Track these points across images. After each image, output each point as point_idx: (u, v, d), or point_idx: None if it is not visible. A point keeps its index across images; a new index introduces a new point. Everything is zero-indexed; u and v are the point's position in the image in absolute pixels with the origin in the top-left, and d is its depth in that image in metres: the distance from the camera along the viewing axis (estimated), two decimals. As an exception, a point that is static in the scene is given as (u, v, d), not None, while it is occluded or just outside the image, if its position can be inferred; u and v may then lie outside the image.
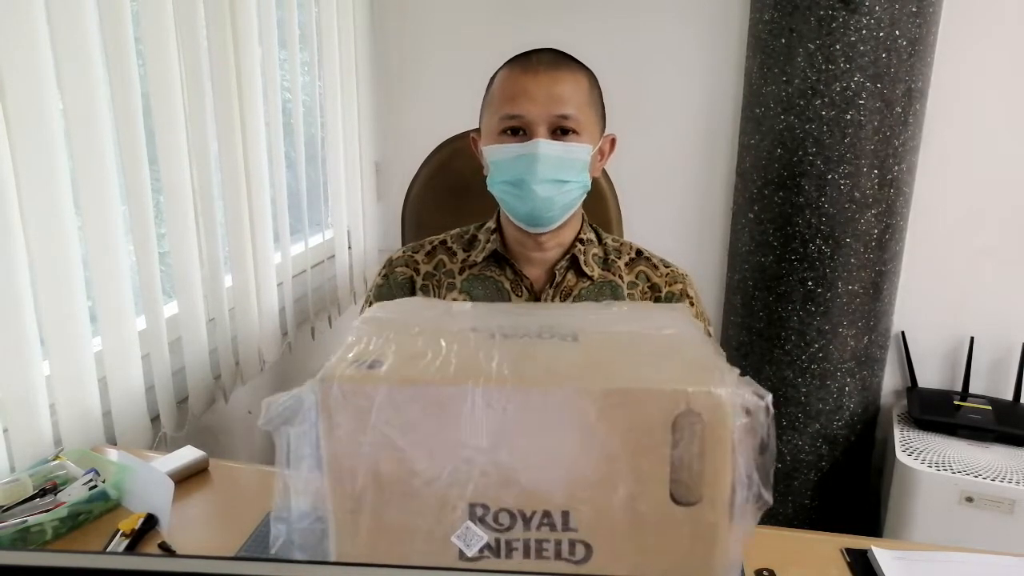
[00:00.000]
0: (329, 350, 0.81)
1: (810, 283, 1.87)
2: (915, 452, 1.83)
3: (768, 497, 0.68)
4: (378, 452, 0.68)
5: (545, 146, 1.08)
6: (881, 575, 0.92)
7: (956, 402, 1.97)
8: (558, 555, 0.69)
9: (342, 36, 2.01)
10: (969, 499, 1.74)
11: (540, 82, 1.10)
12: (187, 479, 1.11)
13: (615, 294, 1.19)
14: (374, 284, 1.27)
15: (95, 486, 1.04)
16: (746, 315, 1.99)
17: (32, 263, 1.12)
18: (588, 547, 0.69)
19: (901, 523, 1.83)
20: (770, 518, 1.16)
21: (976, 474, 1.74)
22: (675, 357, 0.74)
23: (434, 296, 1.22)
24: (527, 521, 0.69)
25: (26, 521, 0.96)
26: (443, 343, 0.74)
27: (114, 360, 1.30)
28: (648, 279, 1.22)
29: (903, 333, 2.10)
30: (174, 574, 0.50)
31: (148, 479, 1.04)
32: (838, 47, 1.72)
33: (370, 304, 1.21)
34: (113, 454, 1.16)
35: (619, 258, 1.23)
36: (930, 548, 0.99)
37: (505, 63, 1.16)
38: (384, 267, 1.27)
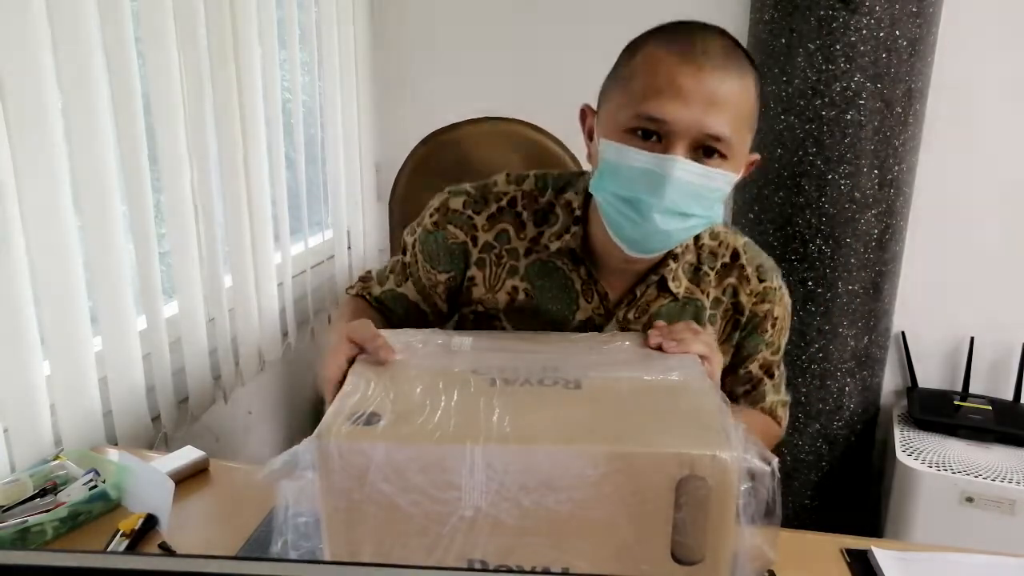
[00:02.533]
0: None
1: (810, 283, 1.87)
2: (915, 452, 1.83)
3: (773, 556, 0.67)
4: (375, 509, 0.67)
5: (683, 169, 0.85)
6: (881, 575, 0.92)
7: (956, 402, 1.97)
8: None
9: (342, 36, 2.01)
10: (969, 499, 1.74)
11: (702, 82, 0.84)
12: (187, 479, 1.11)
13: (697, 316, 1.03)
14: (423, 229, 1.07)
15: (95, 486, 1.03)
16: (746, 315, 1.99)
17: (32, 263, 1.12)
18: None
19: (901, 523, 1.83)
20: (770, 518, 1.16)
21: (976, 474, 1.74)
22: (680, 412, 0.72)
23: (490, 274, 1.05)
24: None
25: (26, 521, 0.95)
26: (442, 392, 0.73)
27: (114, 360, 1.30)
28: (735, 295, 1.05)
29: (903, 333, 2.09)
30: (174, 574, 0.50)
31: (148, 479, 1.04)
32: (838, 47, 1.72)
33: (412, 248, 1.08)
34: (113, 454, 1.16)
35: (712, 265, 1.04)
36: (930, 548, 0.99)
37: (656, 33, 0.90)
38: (438, 210, 1.06)
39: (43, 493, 1.03)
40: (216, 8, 1.47)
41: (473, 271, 1.05)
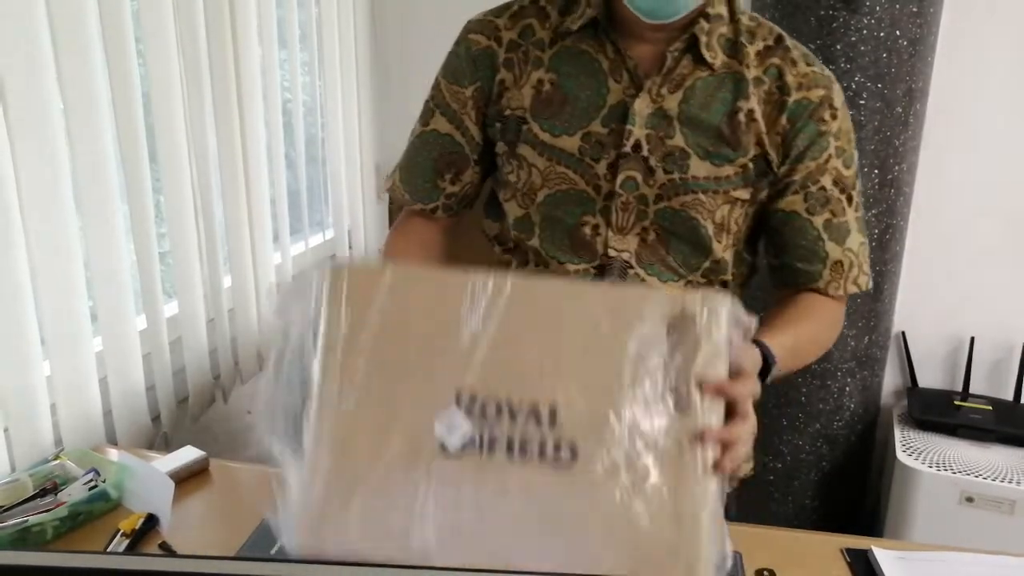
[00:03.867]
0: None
1: (810, 283, 1.87)
2: (915, 452, 1.83)
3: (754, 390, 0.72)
4: (376, 336, 0.69)
5: None
6: (881, 575, 0.92)
7: (956, 402, 1.97)
8: (542, 456, 0.68)
9: (342, 35, 2.01)
10: (969, 499, 1.74)
11: None
12: (187, 479, 1.11)
13: (738, 90, 0.94)
14: (448, 54, 1.05)
15: (95, 486, 1.03)
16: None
17: (33, 263, 1.12)
18: (574, 451, 0.68)
19: (901, 523, 1.83)
20: (770, 518, 1.16)
21: (976, 474, 1.74)
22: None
23: (517, 72, 0.99)
24: (513, 415, 0.68)
25: (26, 521, 0.95)
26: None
27: (114, 360, 1.30)
28: (780, 76, 0.95)
29: (903, 333, 2.09)
30: (174, 574, 0.50)
31: (148, 479, 1.04)
32: (838, 47, 1.72)
33: (436, 82, 1.05)
34: (113, 454, 1.16)
35: (751, 42, 0.96)
36: (930, 548, 0.99)
37: None
38: (463, 29, 1.04)
39: (43, 493, 1.03)
40: (216, 8, 1.47)
41: (502, 74, 1.00)
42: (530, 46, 0.99)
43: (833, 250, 1.00)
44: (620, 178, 0.95)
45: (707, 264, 1.00)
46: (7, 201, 1.06)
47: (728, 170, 0.95)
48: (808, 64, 0.97)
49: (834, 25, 1.71)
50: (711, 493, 0.68)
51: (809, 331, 1.00)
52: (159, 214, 1.42)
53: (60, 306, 1.17)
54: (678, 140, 0.94)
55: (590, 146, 0.96)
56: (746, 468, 1.11)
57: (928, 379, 2.12)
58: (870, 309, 1.91)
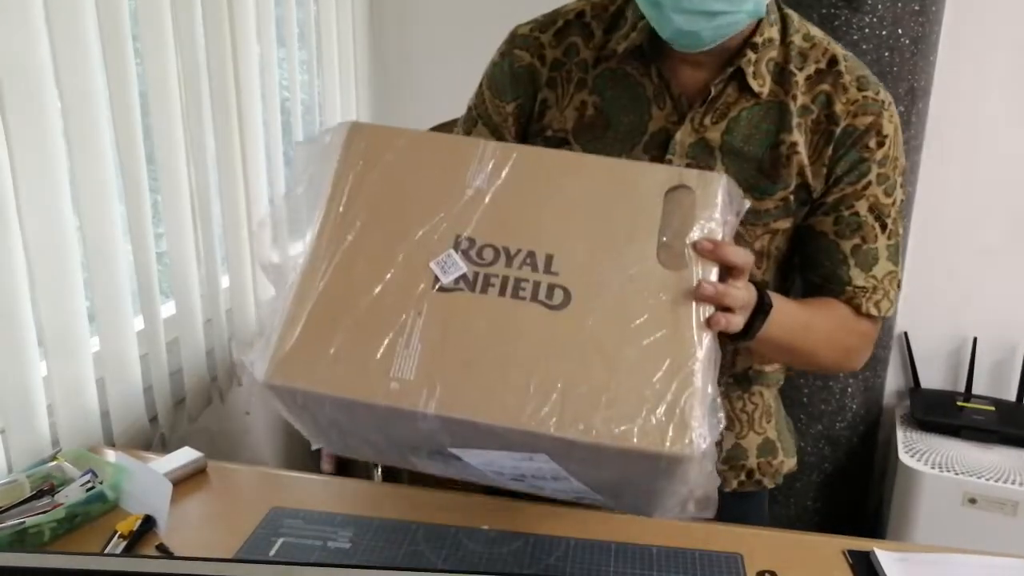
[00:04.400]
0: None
1: (812, 283, 1.87)
2: (918, 453, 1.83)
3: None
4: (380, 183, 0.72)
5: None
6: (884, 577, 0.91)
7: (959, 403, 1.96)
8: (535, 296, 0.69)
9: (341, 34, 2.01)
10: (972, 500, 1.73)
11: None
12: (185, 481, 1.10)
13: (783, 122, 0.92)
14: (491, 63, 1.03)
15: (93, 487, 1.03)
16: (747, 315, 1.99)
17: (30, 263, 1.12)
18: (567, 293, 0.69)
19: (904, 525, 1.82)
20: (772, 520, 1.16)
21: (979, 475, 1.73)
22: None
23: (560, 92, 0.98)
24: (510, 258, 0.70)
25: (23, 522, 0.95)
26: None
27: (112, 361, 1.30)
28: (828, 104, 0.92)
29: (906, 334, 2.09)
30: (172, 575, 0.50)
31: (146, 480, 1.03)
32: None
33: (480, 88, 1.04)
34: (111, 455, 1.16)
35: (801, 67, 0.93)
36: (933, 550, 0.98)
37: None
38: (506, 41, 1.02)
39: (40, 494, 1.02)
40: (214, 7, 1.47)
41: (544, 93, 0.98)
42: (574, 66, 0.97)
43: (857, 276, 0.97)
44: None
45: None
46: (4, 201, 1.06)
47: (768, 204, 0.94)
48: (860, 89, 0.93)
49: (836, 24, 1.70)
50: (706, 346, 0.68)
51: (824, 324, 0.96)
52: (157, 214, 1.41)
53: (57, 307, 1.17)
54: (719, 171, 0.92)
55: None
56: (790, 464, 1.10)
57: (930, 380, 2.11)
58: (872, 309, 1.90)
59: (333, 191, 0.72)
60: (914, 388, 2.07)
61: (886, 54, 1.71)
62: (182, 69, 1.41)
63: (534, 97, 0.99)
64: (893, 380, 2.12)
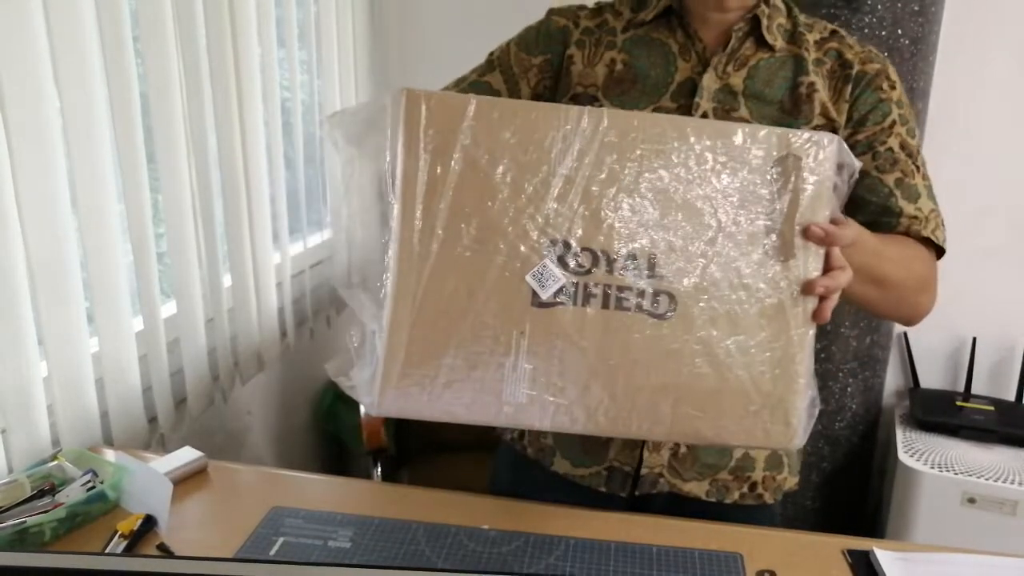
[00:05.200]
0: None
1: (811, 283, 1.87)
2: (917, 453, 1.83)
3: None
4: (460, 176, 0.63)
5: None
6: (883, 576, 0.91)
7: (958, 403, 1.96)
8: (639, 308, 0.64)
9: (341, 35, 2.01)
10: (971, 500, 1.73)
11: None
12: (186, 480, 1.10)
13: (799, 68, 1.01)
14: (524, 28, 1.11)
15: (93, 487, 1.03)
16: (747, 315, 1.99)
17: (29, 263, 1.12)
18: (672, 300, 0.64)
19: (903, 524, 1.83)
20: (771, 519, 1.16)
21: (978, 475, 1.74)
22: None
23: (589, 53, 1.04)
24: (611, 263, 0.64)
25: (24, 522, 0.95)
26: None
27: (112, 361, 1.30)
28: (840, 56, 1.02)
29: (905, 334, 2.09)
30: (173, 575, 0.50)
31: (146, 480, 1.03)
32: (839, 46, 1.72)
33: (506, 45, 1.09)
34: (111, 455, 1.16)
35: (809, 32, 1.04)
36: (932, 549, 0.98)
37: None
38: (546, 13, 1.11)
39: (41, 494, 1.03)
40: (215, 7, 1.47)
41: (572, 50, 1.05)
42: (603, 34, 1.05)
43: (906, 207, 1.02)
44: None
45: None
46: (4, 201, 1.06)
47: None
48: (862, 47, 1.03)
49: (835, 24, 1.70)
50: (808, 341, 0.67)
51: (896, 250, 0.98)
52: (157, 214, 1.41)
53: (57, 307, 1.17)
54: (743, 113, 0.99)
55: None
56: (792, 482, 1.11)
57: (930, 379, 2.11)
58: (871, 309, 1.90)
59: (405, 184, 0.63)
60: (913, 388, 2.08)
61: (885, 54, 1.71)
62: (183, 69, 1.41)
63: (562, 55, 1.05)
64: (892, 380, 2.12)
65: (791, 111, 0.99)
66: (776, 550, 0.96)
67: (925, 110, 1.85)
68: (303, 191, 1.94)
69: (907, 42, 1.72)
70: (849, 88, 1.01)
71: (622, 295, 0.64)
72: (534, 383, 0.63)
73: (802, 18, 1.05)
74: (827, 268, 0.70)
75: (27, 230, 1.11)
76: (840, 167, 0.67)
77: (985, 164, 1.97)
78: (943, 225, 1.07)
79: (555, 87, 1.07)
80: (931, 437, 1.89)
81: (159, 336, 1.39)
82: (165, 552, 0.94)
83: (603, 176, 0.63)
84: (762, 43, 1.01)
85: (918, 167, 1.04)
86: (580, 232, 0.64)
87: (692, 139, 0.64)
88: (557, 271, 0.64)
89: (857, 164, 0.69)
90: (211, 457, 1.15)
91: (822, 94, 1.00)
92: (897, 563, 0.93)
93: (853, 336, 1.90)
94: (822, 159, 0.66)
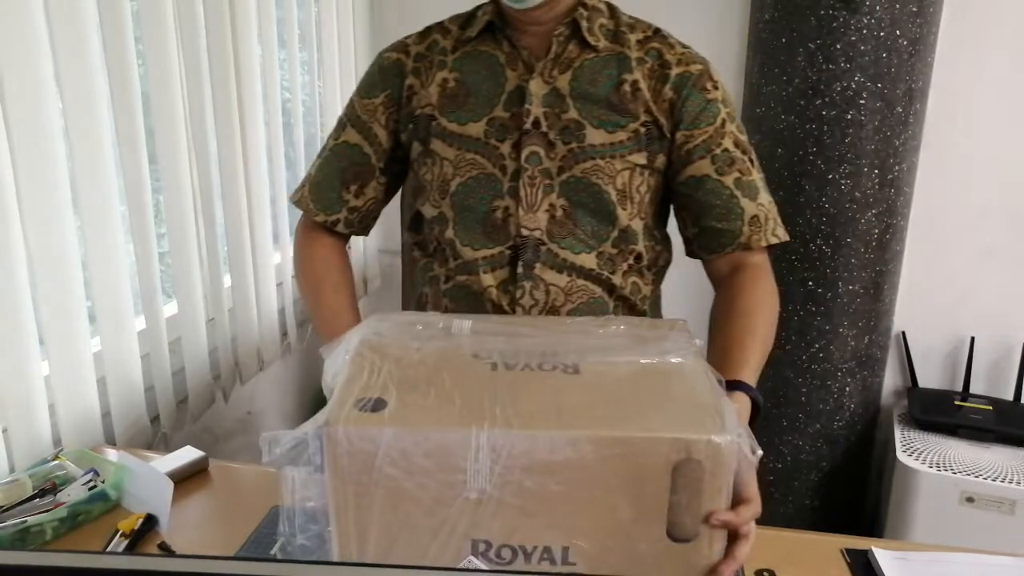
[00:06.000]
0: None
1: (810, 283, 1.87)
2: (916, 452, 1.83)
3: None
4: (383, 493, 0.69)
5: None
6: (881, 575, 0.92)
7: (957, 402, 1.96)
8: None
9: (342, 35, 2.01)
10: (970, 499, 1.73)
11: None
12: (187, 479, 1.11)
13: (622, 67, 1.04)
14: (362, 77, 1.18)
15: (94, 486, 1.03)
16: (746, 315, 1.99)
17: (31, 263, 1.12)
18: None
19: (901, 523, 1.83)
20: (770, 518, 1.16)
21: (977, 474, 1.74)
22: (676, 395, 0.75)
23: (424, 78, 1.09)
24: (528, 556, 0.70)
25: (25, 521, 0.95)
26: (445, 377, 0.75)
27: (113, 360, 1.30)
28: (660, 56, 1.06)
29: (904, 333, 2.09)
30: (174, 574, 0.50)
31: (148, 479, 1.03)
32: (838, 47, 1.72)
33: (350, 103, 1.15)
34: (112, 454, 1.16)
35: (631, 32, 1.07)
36: (931, 548, 0.99)
37: None
38: (372, 61, 1.17)
39: (42, 493, 1.03)
40: (215, 8, 1.47)
41: (410, 80, 1.10)
42: (435, 56, 1.10)
43: (748, 206, 1.06)
44: (524, 153, 1.03)
45: (615, 234, 1.07)
46: (5, 202, 1.06)
47: (621, 135, 1.04)
48: (683, 48, 1.08)
49: (834, 25, 1.71)
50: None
51: (764, 328, 1.03)
52: (158, 214, 1.42)
53: (59, 306, 1.17)
54: (572, 114, 1.03)
55: (494, 129, 1.05)
56: None
57: (928, 379, 2.12)
58: (870, 309, 1.91)
59: (335, 509, 0.70)
60: (912, 387, 2.08)
61: (884, 55, 1.72)
62: (184, 69, 1.41)
63: (401, 86, 1.10)
64: (891, 379, 2.13)
65: (618, 108, 1.04)
66: (775, 549, 0.96)
67: (923, 111, 1.85)
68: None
69: (905, 43, 1.72)
70: (668, 89, 1.04)
71: None
72: None
73: (625, 17, 1.09)
74: (732, 538, 0.74)
75: (29, 230, 1.11)
76: (740, 457, 0.70)
77: (983, 164, 1.97)
78: (778, 216, 1.09)
79: (396, 119, 1.12)
80: (929, 436, 1.90)
81: (160, 336, 1.40)
82: (166, 551, 0.95)
83: (514, 489, 0.69)
84: (585, 44, 1.05)
85: (752, 161, 1.08)
86: (499, 532, 0.70)
87: (594, 455, 0.68)
88: (481, 564, 0.70)
89: (756, 453, 0.71)
90: (212, 456, 1.15)
91: (644, 92, 1.04)
92: (895, 562, 0.93)
93: (851, 336, 1.91)
94: (721, 460, 0.69)
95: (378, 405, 0.70)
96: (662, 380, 0.77)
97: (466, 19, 1.11)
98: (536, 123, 1.03)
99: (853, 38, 1.70)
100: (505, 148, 1.04)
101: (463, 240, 1.07)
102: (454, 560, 0.70)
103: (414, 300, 1.19)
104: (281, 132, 1.77)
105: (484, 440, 0.68)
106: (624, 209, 1.05)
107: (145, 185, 1.32)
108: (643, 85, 1.04)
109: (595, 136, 1.03)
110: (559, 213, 1.05)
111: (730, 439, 0.68)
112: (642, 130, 1.04)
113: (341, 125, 1.16)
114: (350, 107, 1.15)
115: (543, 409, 0.71)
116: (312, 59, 1.96)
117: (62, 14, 1.13)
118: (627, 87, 1.04)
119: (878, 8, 1.68)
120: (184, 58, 1.41)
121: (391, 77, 1.11)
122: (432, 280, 1.12)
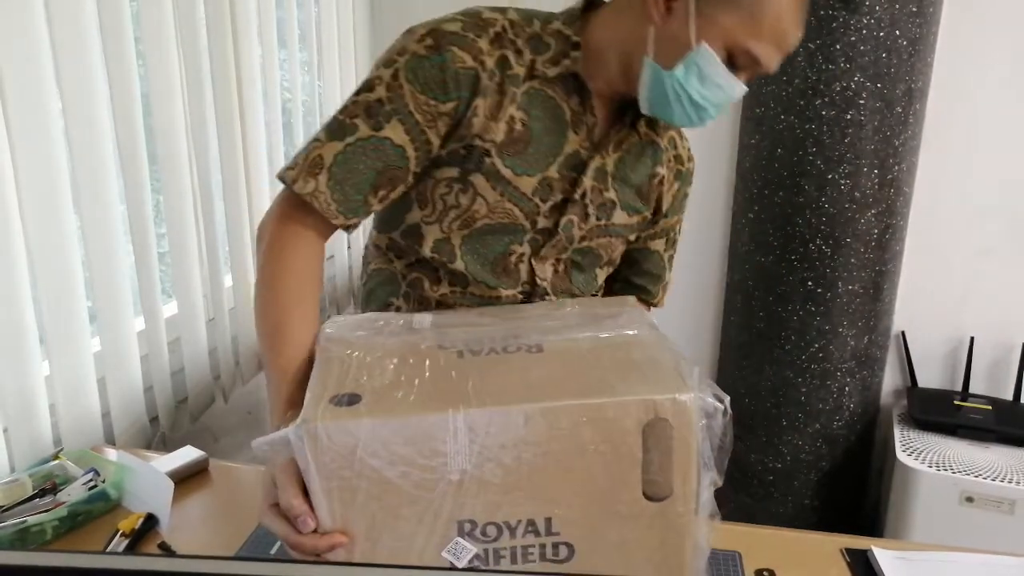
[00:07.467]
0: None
1: (810, 283, 1.87)
2: (915, 452, 1.83)
3: (718, 480, 0.75)
4: (366, 484, 0.70)
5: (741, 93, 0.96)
6: (881, 575, 0.92)
7: (956, 402, 1.97)
8: (543, 557, 0.73)
9: (342, 35, 2.02)
10: (969, 499, 1.74)
11: (795, 36, 0.92)
12: (187, 479, 1.11)
13: (655, 159, 1.07)
14: (411, 56, 0.93)
15: (95, 486, 1.04)
16: (746, 315, 1.99)
17: (32, 263, 1.12)
18: (570, 547, 0.73)
19: (901, 523, 1.83)
20: (770, 518, 1.16)
21: (976, 474, 1.74)
22: (638, 362, 0.78)
23: (494, 106, 0.95)
24: (512, 531, 0.72)
25: (26, 521, 0.95)
26: (414, 367, 0.76)
27: (113, 360, 1.30)
28: (675, 147, 1.10)
29: (903, 333, 2.09)
30: (174, 574, 0.50)
31: (148, 479, 1.04)
32: (838, 47, 1.72)
33: (394, 81, 0.93)
34: (112, 454, 1.16)
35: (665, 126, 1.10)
36: (930, 548, 0.99)
37: None
38: (430, 35, 0.94)
39: (43, 493, 1.03)
40: (216, 8, 1.47)
41: (479, 100, 0.94)
42: (507, 82, 0.96)
43: (667, 276, 1.22)
44: (563, 221, 1.03)
45: (594, 291, 1.14)
46: (6, 202, 1.06)
47: (636, 219, 1.10)
48: (682, 137, 1.14)
49: (834, 25, 1.71)
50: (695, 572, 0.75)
51: None
52: (158, 214, 1.42)
53: (59, 306, 1.17)
54: (611, 194, 1.05)
55: (543, 188, 1.01)
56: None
57: (928, 379, 2.12)
58: (870, 309, 1.91)
59: (321, 507, 0.71)
60: (911, 387, 2.08)
61: (884, 55, 1.72)
62: (184, 70, 1.41)
63: (470, 102, 0.94)
64: (890, 379, 2.13)
65: (644, 197, 1.08)
66: (775, 549, 0.96)
67: (923, 111, 1.85)
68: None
69: (905, 43, 1.72)
70: (677, 184, 1.12)
71: (527, 551, 0.73)
72: None
73: None
74: None
75: (29, 230, 1.11)
76: (705, 412, 0.72)
77: (983, 164, 1.98)
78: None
79: (450, 133, 0.97)
80: (929, 436, 1.90)
81: (160, 336, 1.40)
82: (166, 551, 0.95)
83: (492, 463, 0.71)
84: (632, 127, 1.05)
85: (677, 239, 1.20)
86: (482, 510, 0.72)
87: (569, 421, 0.71)
88: (468, 544, 0.72)
89: (723, 402, 0.73)
90: (212, 456, 1.15)
91: (664, 188, 1.10)
92: (895, 562, 0.93)
93: (851, 336, 1.91)
94: (687, 418, 0.71)
95: (353, 399, 0.71)
96: (623, 350, 0.80)
97: (535, 41, 0.98)
98: (583, 195, 1.02)
99: (853, 38, 1.71)
100: (545, 207, 1.01)
101: (476, 275, 1.02)
102: (442, 544, 0.71)
103: (378, 301, 1.10)
104: (281, 132, 1.77)
105: (461, 421, 0.70)
106: (604, 271, 1.14)
107: (145, 185, 1.32)
108: (666, 181, 1.09)
109: (619, 216, 1.07)
110: (561, 268, 1.07)
111: (693, 396, 0.71)
112: (649, 216, 1.11)
113: (384, 114, 0.93)
114: (397, 94, 0.93)
115: (514, 386, 0.73)
116: (312, 59, 1.96)
117: (62, 14, 1.13)
118: (656, 181, 1.08)
119: (878, 8, 1.68)
120: (184, 58, 1.41)
121: (465, 87, 0.93)
122: (414, 293, 1.06)
